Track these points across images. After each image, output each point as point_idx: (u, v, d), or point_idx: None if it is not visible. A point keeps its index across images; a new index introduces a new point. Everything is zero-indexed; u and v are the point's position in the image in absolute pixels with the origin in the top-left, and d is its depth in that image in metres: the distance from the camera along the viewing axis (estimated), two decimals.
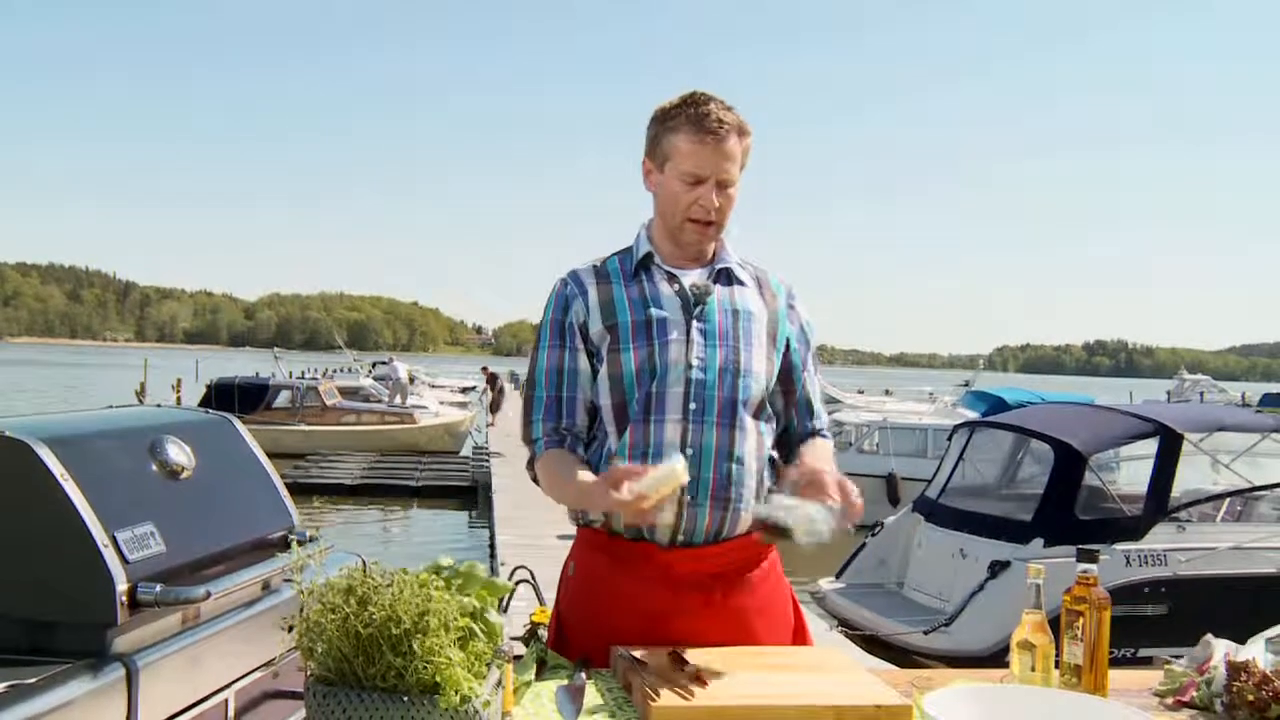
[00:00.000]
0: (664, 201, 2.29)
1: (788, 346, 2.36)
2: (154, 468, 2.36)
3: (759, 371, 2.27)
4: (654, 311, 2.25)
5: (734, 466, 2.22)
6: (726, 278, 2.33)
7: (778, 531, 2.00)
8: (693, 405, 2.21)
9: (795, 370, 2.37)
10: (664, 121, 2.26)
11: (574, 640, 2.24)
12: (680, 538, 2.20)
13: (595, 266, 2.35)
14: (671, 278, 2.29)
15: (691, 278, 2.30)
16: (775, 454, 2.34)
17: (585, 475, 2.16)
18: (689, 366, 2.21)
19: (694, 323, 2.24)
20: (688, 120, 2.21)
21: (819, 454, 2.31)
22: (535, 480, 2.33)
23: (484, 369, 39.13)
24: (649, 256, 2.32)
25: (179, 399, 29.55)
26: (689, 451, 2.19)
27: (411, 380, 36.45)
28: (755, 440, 2.26)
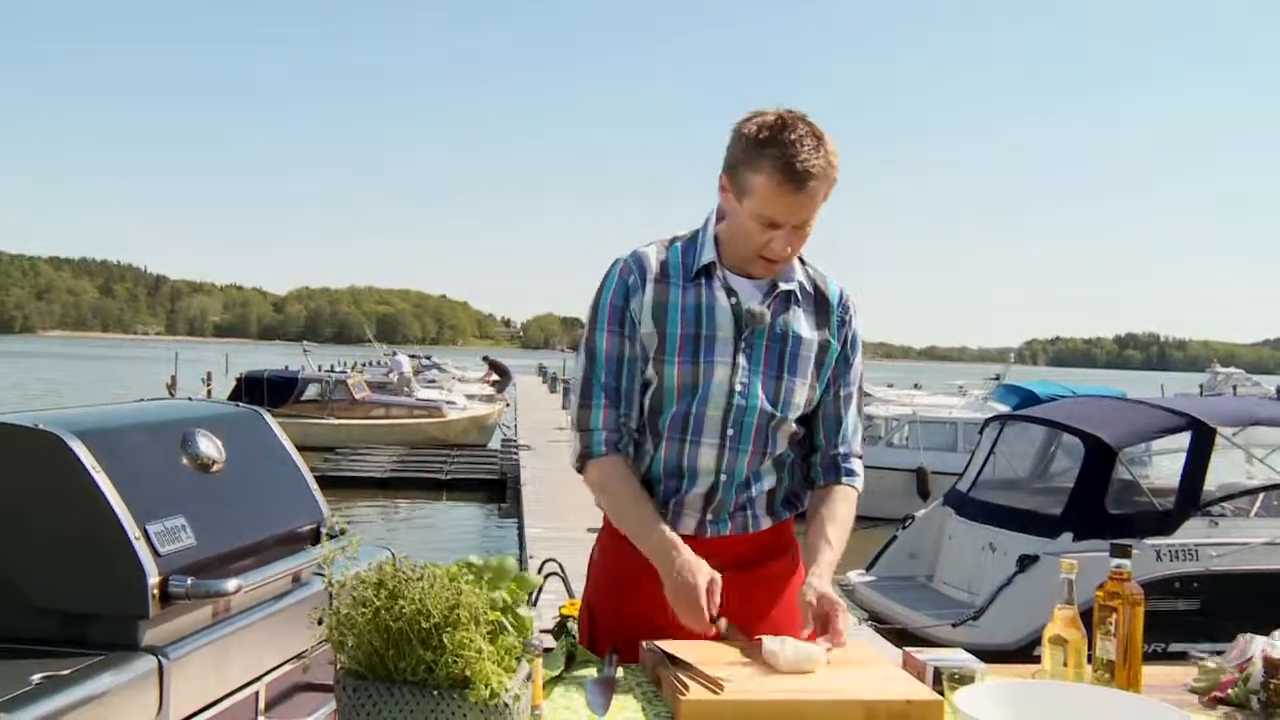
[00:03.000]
0: (737, 230, 2.18)
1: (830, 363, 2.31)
2: (185, 461, 2.37)
3: (799, 402, 2.26)
4: (705, 328, 2.21)
5: (756, 488, 2.27)
6: (785, 299, 2.26)
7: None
8: (730, 431, 2.22)
9: (827, 387, 2.33)
10: (749, 152, 2.09)
11: (601, 625, 2.26)
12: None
13: (659, 254, 2.27)
14: (730, 290, 2.23)
15: (749, 291, 2.23)
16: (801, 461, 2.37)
17: (660, 531, 2.17)
18: (732, 392, 2.20)
19: (741, 345, 2.21)
20: (774, 162, 2.04)
21: (830, 541, 2.24)
22: (578, 469, 2.29)
23: (485, 358, 39.63)
24: (711, 266, 2.24)
25: (209, 392, 29.82)
26: (723, 477, 2.23)
27: (417, 373, 36.67)
28: (782, 455, 2.30)
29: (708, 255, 2.24)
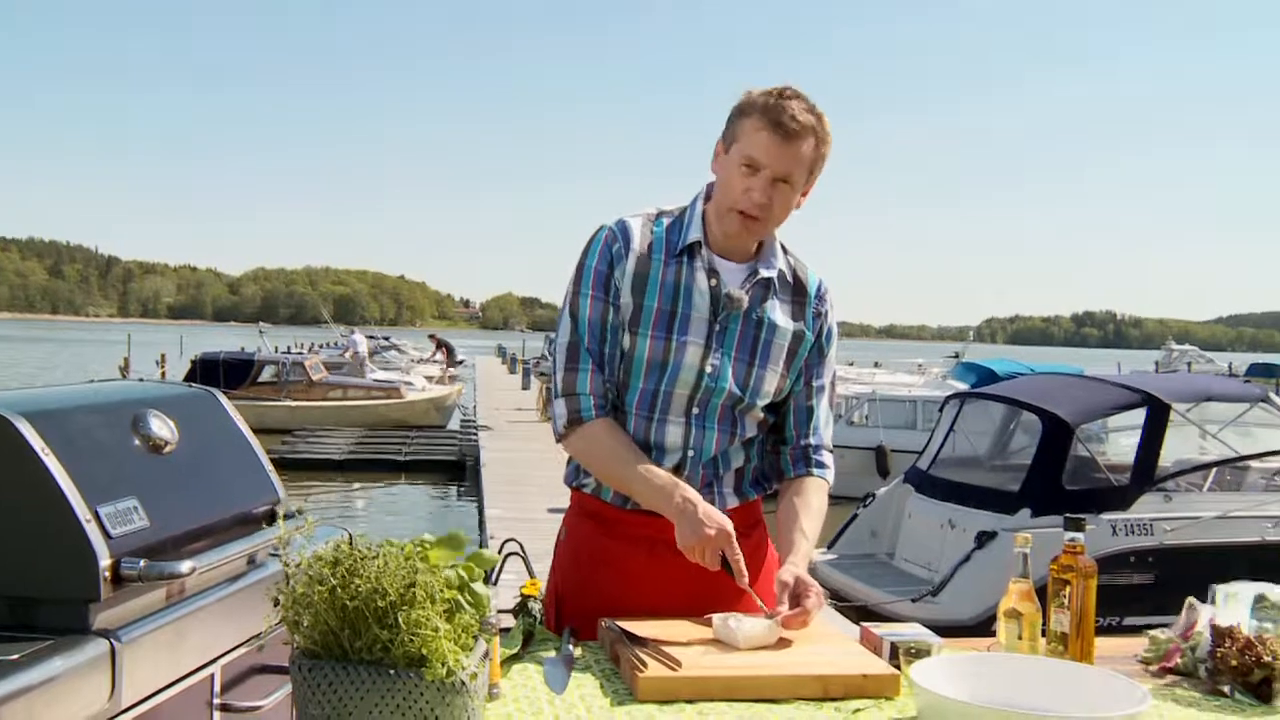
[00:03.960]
0: (721, 183, 2.21)
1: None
2: (137, 442, 2.33)
3: (768, 390, 2.26)
4: (682, 305, 2.20)
5: (724, 466, 2.27)
6: (764, 286, 2.26)
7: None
8: (695, 410, 2.22)
9: (799, 378, 2.33)
10: (745, 107, 2.16)
11: (567, 603, 2.26)
12: None
13: (644, 225, 2.27)
14: (712, 272, 2.22)
15: (730, 275, 2.23)
16: (770, 448, 2.38)
17: (666, 476, 2.16)
18: (701, 373, 2.20)
19: (716, 328, 2.21)
20: (764, 109, 2.12)
21: (805, 532, 2.24)
22: (560, 437, 2.26)
23: (431, 336, 40.19)
24: (695, 245, 2.23)
25: (164, 374, 29.41)
26: (690, 453, 2.22)
27: (373, 354, 36.60)
28: (751, 438, 2.30)
29: (693, 234, 2.24)
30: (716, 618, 2.01)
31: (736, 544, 2.07)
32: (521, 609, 2.12)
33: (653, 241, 2.24)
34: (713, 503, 2.21)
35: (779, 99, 2.12)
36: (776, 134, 2.10)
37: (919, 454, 11.23)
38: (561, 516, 2.42)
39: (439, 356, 39.18)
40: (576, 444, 2.25)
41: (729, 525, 2.08)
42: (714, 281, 2.22)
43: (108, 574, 2.00)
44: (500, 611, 2.16)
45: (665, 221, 2.28)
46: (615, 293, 2.22)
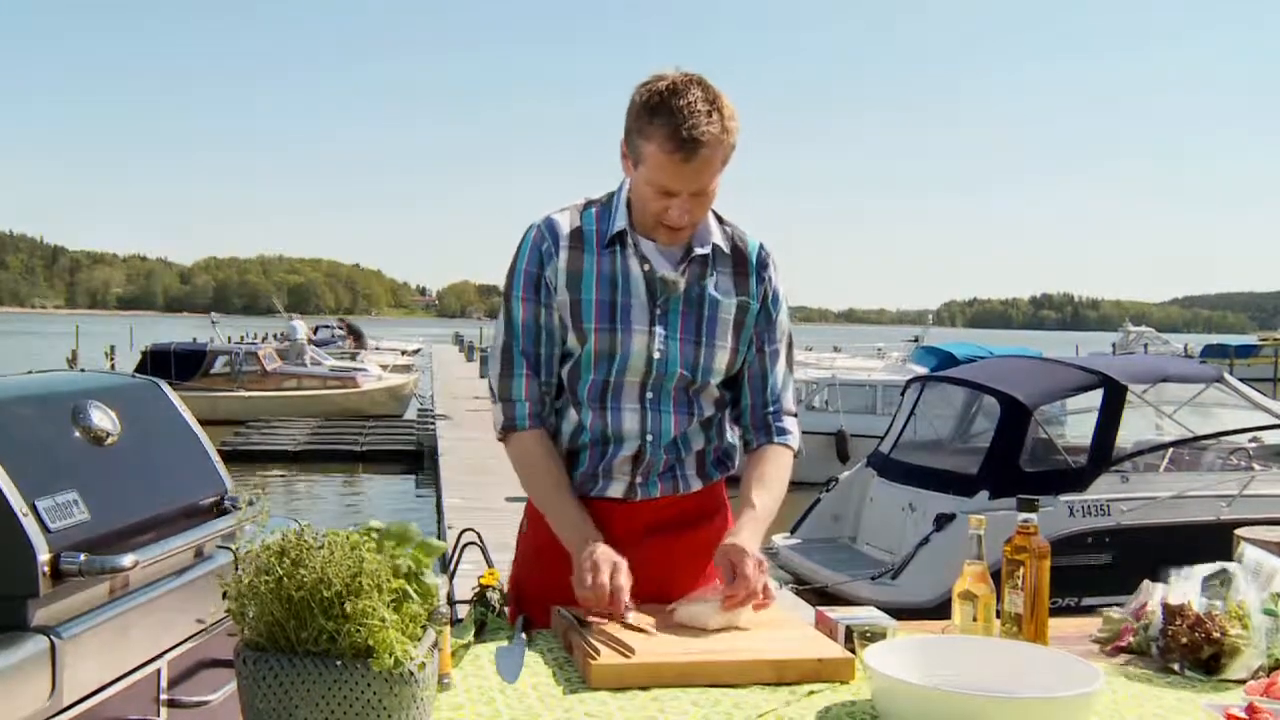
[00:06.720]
0: (637, 196, 2.14)
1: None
2: (77, 434, 2.28)
3: (719, 367, 2.23)
4: (620, 295, 2.17)
5: (684, 449, 2.24)
6: (700, 263, 2.22)
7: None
8: (649, 395, 2.20)
9: (751, 345, 2.29)
10: (639, 120, 2.04)
11: (529, 594, 2.24)
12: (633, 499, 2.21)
13: (572, 220, 2.22)
14: (643, 258, 2.18)
15: (663, 259, 2.19)
16: (734, 433, 2.35)
17: (576, 513, 2.14)
18: (650, 359, 2.17)
19: (657, 312, 2.18)
20: (662, 130, 1.99)
21: (754, 506, 2.18)
22: (500, 439, 2.25)
23: (340, 320, 40.60)
24: (623, 233, 2.19)
25: (113, 366, 29.02)
26: (649, 438, 2.20)
27: (327, 343, 36.50)
28: (710, 417, 2.27)
29: (620, 222, 2.19)
30: (678, 603, 1.99)
31: (621, 598, 1.97)
32: (479, 599, 2.09)
33: (583, 235, 2.21)
34: (676, 487, 2.21)
35: (675, 112, 1.98)
36: (679, 156, 1.99)
37: (880, 438, 11.27)
38: (520, 505, 2.40)
39: (348, 343, 39.27)
40: (510, 451, 2.25)
41: (611, 584, 1.97)
42: (646, 267, 2.18)
43: (46, 569, 1.96)
44: (459, 602, 2.14)
45: (594, 211, 2.24)
46: (548, 292, 2.19)
